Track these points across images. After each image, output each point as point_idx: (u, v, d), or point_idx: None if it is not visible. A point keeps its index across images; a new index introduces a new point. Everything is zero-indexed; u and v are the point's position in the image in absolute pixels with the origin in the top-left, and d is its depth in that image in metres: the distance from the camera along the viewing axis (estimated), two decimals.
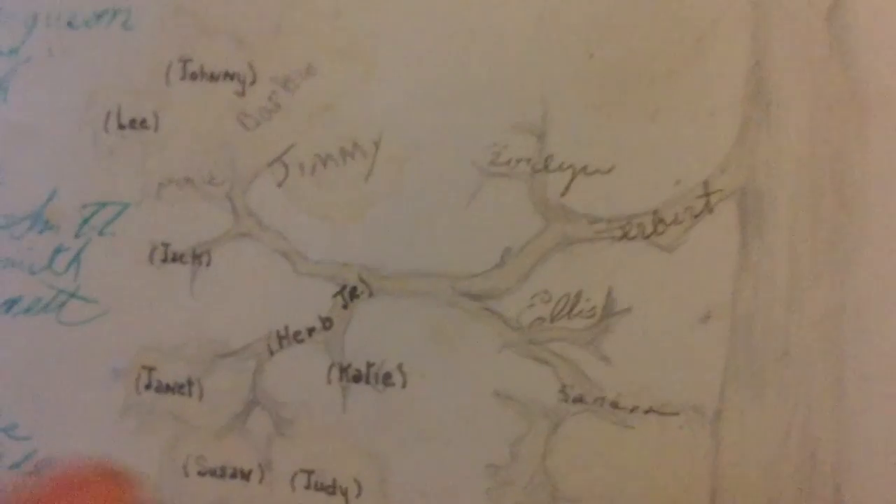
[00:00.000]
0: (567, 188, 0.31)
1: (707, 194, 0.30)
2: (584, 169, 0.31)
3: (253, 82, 0.35)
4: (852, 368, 0.29)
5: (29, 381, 0.36)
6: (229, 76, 0.35)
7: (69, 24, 0.37)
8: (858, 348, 0.29)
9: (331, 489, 0.33)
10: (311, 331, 0.34)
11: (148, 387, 0.35)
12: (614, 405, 0.30)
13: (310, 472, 0.33)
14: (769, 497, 0.29)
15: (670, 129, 0.30)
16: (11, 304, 0.37)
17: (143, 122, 0.36)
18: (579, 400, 0.31)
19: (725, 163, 0.30)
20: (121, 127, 0.36)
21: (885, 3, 0.28)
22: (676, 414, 0.30)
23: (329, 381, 0.33)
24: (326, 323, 0.33)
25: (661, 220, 0.30)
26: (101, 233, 0.36)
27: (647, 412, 0.30)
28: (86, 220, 0.37)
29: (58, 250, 0.37)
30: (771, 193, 0.29)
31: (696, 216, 0.30)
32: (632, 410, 0.30)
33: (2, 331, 0.37)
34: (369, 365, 0.33)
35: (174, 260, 0.35)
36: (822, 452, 0.29)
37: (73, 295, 0.36)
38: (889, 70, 0.28)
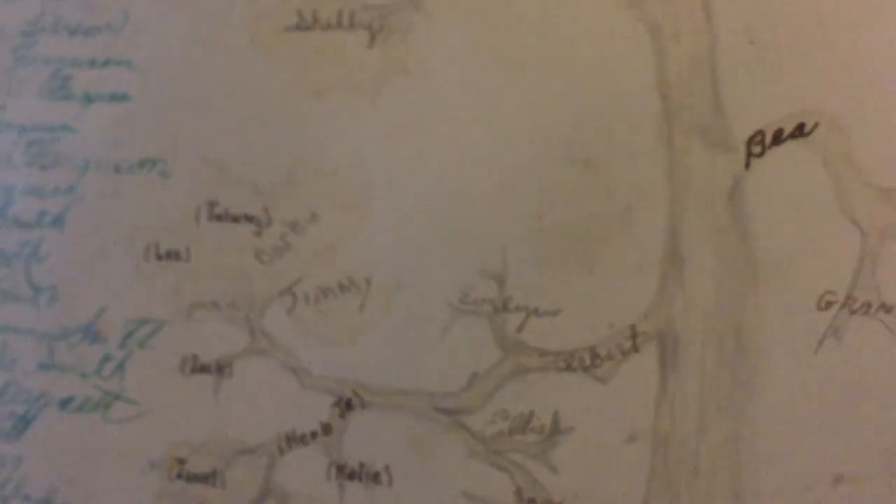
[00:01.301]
0: (522, 326, 0.40)
1: (634, 336, 0.39)
2: (535, 310, 0.40)
3: (268, 224, 0.44)
4: (748, 485, 0.38)
5: (80, 469, 0.46)
6: (248, 219, 0.45)
7: (115, 169, 0.47)
8: (753, 468, 0.37)
9: None
10: (314, 434, 0.43)
11: (179, 476, 0.45)
12: None
13: None
14: None
15: (605, 280, 0.39)
16: (66, 402, 0.47)
17: (178, 254, 0.45)
18: (532, 501, 0.40)
19: (648, 310, 0.39)
20: (158, 258, 0.46)
21: (773, 187, 0.37)
22: None
23: (328, 478, 0.43)
24: (326, 428, 0.43)
25: (597, 356, 0.39)
26: (141, 345, 0.46)
27: None
28: (129, 334, 0.47)
29: (105, 359, 0.47)
30: (684, 337, 0.39)
31: (625, 353, 0.39)
32: None
33: (57, 425, 0.47)
34: (361, 465, 0.43)
35: (202, 370, 0.45)
36: None
37: (117, 397, 0.46)
38: (777, 241, 0.37)
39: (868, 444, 0.36)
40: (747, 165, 0.37)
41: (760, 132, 0.37)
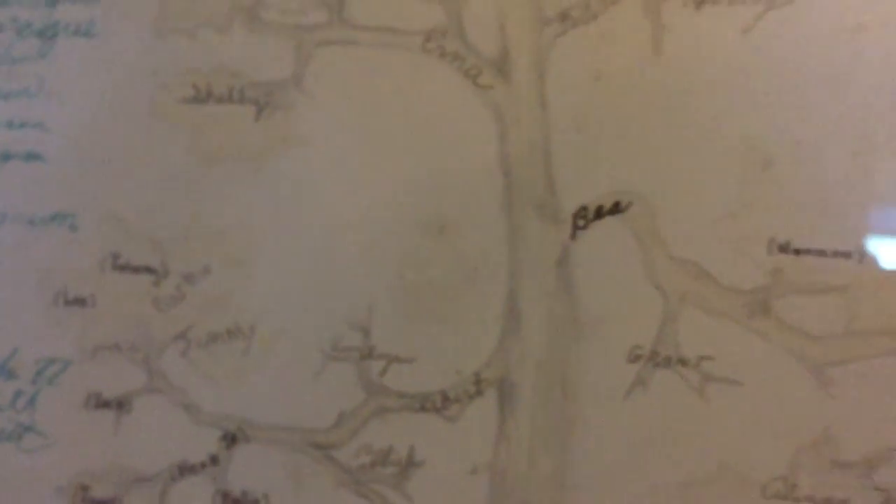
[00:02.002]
0: (384, 371, 0.48)
1: (478, 381, 0.46)
2: (396, 357, 0.47)
3: (165, 276, 0.51)
4: None
5: None
6: (148, 270, 0.51)
7: (29, 222, 0.53)
8: (574, 497, 0.45)
9: None
10: (203, 465, 0.50)
11: (83, 502, 0.51)
12: None
13: None
14: None
15: (455, 333, 0.47)
16: None
17: (83, 300, 0.52)
18: None
19: (490, 359, 0.46)
20: (66, 303, 0.52)
21: (594, 256, 0.45)
22: None
23: None
24: (214, 459, 0.50)
25: (447, 398, 0.47)
26: (50, 382, 0.53)
27: None
28: (39, 372, 0.53)
29: (17, 394, 0.53)
30: (519, 383, 0.46)
31: (471, 397, 0.46)
32: None
33: None
34: (244, 493, 0.49)
35: (104, 406, 0.52)
36: None
37: (29, 429, 0.52)
38: (596, 302, 0.45)
39: (666, 477, 0.43)
40: (573, 236, 0.45)
41: (584, 208, 0.45)
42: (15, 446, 0.53)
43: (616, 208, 0.44)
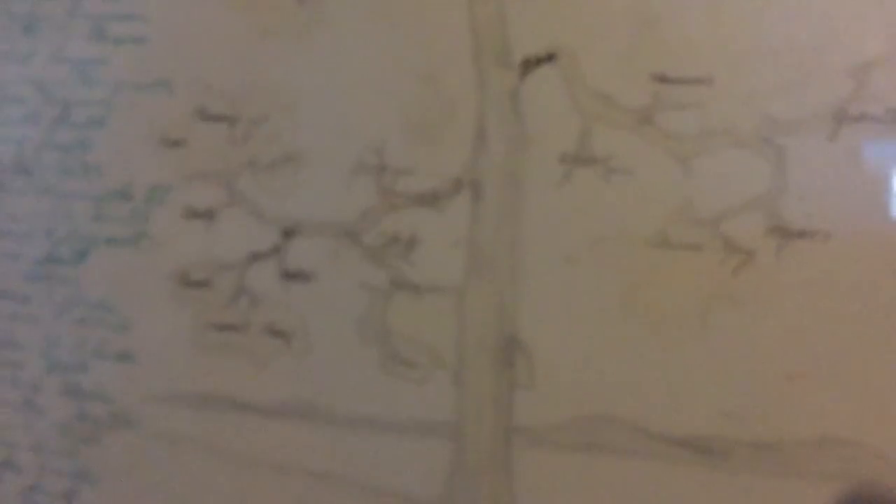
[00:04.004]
0: (394, 181, 0.73)
1: (458, 183, 0.71)
2: (401, 170, 0.73)
3: (237, 122, 0.76)
4: None
5: None
6: (225, 118, 0.77)
7: (138, 87, 0.79)
8: (528, 250, 0.70)
9: None
10: (268, 252, 0.76)
11: (184, 283, 0.78)
12: None
13: None
14: None
15: (441, 150, 0.72)
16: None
17: (179, 142, 0.77)
18: None
19: (465, 167, 0.71)
20: (168, 145, 0.78)
21: (536, 92, 0.69)
22: None
23: (281, 280, 0.76)
24: (276, 248, 0.76)
25: (437, 196, 0.72)
26: (158, 202, 0.79)
27: None
28: (149, 195, 0.79)
29: (134, 210, 0.79)
30: (485, 183, 0.71)
31: (453, 194, 0.72)
32: None
33: None
34: (299, 270, 0.75)
35: (197, 217, 0.77)
36: None
37: (143, 235, 0.79)
38: (537, 123, 0.70)
39: (584, 233, 0.68)
40: (521, 79, 0.69)
41: (527, 58, 0.69)
42: (134, 248, 0.79)
43: (550, 58, 0.68)
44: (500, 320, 0.67)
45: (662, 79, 0.63)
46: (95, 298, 0.77)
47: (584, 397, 0.65)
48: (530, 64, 0.67)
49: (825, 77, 0.60)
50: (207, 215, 0.75)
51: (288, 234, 0.73)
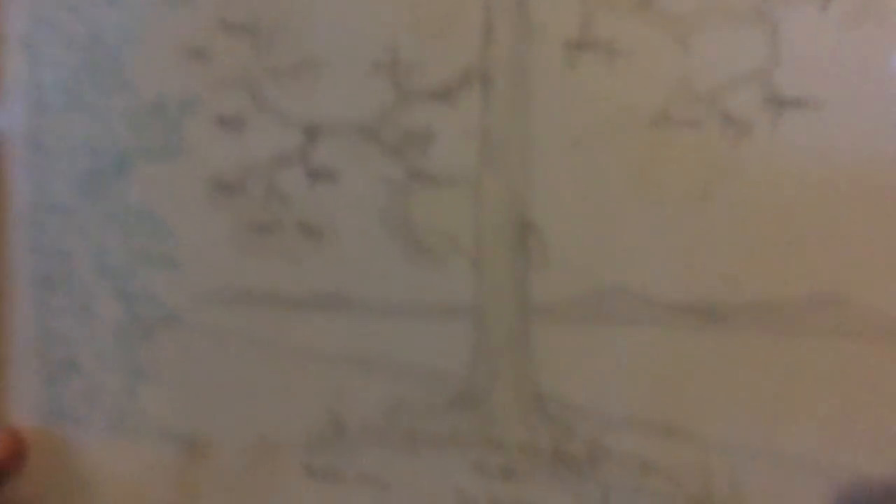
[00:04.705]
0: (406, 76, 0.78)
1: (468, 75, 0.76)
2: (414, 64, 0.77)
3: (258, 32, 0.81)
4: None
5: None
6: (245, 28, 0.82)
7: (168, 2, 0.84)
8: (540, 152, 0.75)
9: None
10: (294, 153, 0.82)
11: (216, 187, 0.84)
12: None
13: None
14: None
15: (452, 44, 0.76)
16: None
17: (202, 52, 0.83)
18: None
19: (474, 61, 0.76)
20: (191, 56, 0.83)
21: None
22: None
23: (305, 179, 0.81)
24: (302, 149, 0.81)
25: (449, 89, 0.77)
26: (189, 112, 0.85)
27: None
28: (181, 106, 0.85)
29: (166, 122, 0.85)
30: (493, 75, 0.75)
31: (464, 86, 0.76)
32: None
33: None
34: (323, 166, 0.81)
35: (226, 123, 0.83)
36: None
37: (171, 147, 0.85)
38: (543, 12, 0.74)
39: (589, 117, 0.73)
40: None
41: None
42: (170, 158, 0.85)
43: None
44: (513, 205, 0.72)
45: None
46: (138, 208, 0.84)
47: (594, 273, 0.70)
48: None
49: None
50: (236, 122, 0.80)
51: (311, 135, 0.78)
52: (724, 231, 0.67)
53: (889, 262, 0.63)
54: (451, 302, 0.75)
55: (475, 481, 0.75)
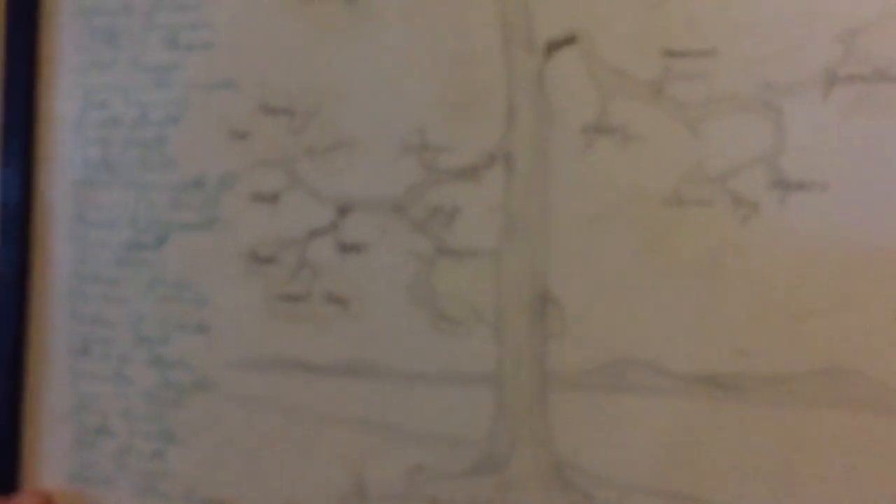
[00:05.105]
0: (434, 158, 0.83)
1: (492, 157, 0.82)
2: (442, 148, 0.83)
3: (295, 114, 0.87)
4: None
5: None
6: (285, 111, 0.88)
7: (208, 86, 0.90)
8: (559, 205, 0.80)
9: None
10: (326, 228, 0.87)
11: (253, 259, 0.89)
12: None
13: None
14: None
15: (477, 126, 0.82)
16: None
17: (245, 134, 0.89)
18: None
19: (498, 142, 0.81)
20: (234, 137, 0.89)
21: (559, 71, 0.79)
22: None
23: (337, 252, 0.86)
24: (333, 224, 0.87)
25: (475, 169, 0.82)
26: (227, 188, 0.90)
27: None
28: (219, 183, 0.90)
29: (206, 198, 0.91)
30: (515, 156, 0.81)
31: (488, 167, 0.82)
32: None
33: None
34: (354, 242, 0.86)
35: (263, 200, 0.89)
36: None
37: (214, 220, 0.90)
38: (561, 97, 0.79)
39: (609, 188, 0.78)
40: (546, 60, 0.79)
41: (551, 41, 0.79)
42: (207, 231, 0.90)
43: (570, 41, 0.78)
44: (533, 278, 0.76)
45: (671, 53, 0.72)
46: (175, 278, 0.89)
47: (610, 343, 0.74)
48: (553, 47, 0.76)
49: (816, 43, 0.68)
50: (271, 198, 0.86)
51: (343, 211, 0.83)
52: (734, 305, 0.70)
53: (894, 336, 0.67)
54: (473, 370, 0.78)
55: None
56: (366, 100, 0.82)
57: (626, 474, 0.74)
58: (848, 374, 0.67)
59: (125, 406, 0.91)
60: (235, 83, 0.86)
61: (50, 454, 0.93)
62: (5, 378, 0.92)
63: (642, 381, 0.73)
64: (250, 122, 0.85)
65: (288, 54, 0.85)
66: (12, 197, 0.91)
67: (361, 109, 0.82)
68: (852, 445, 0.67)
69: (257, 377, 0.85)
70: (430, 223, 0.80)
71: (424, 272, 0.80)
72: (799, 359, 0.69)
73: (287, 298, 0.85)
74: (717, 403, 0.71)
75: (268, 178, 0.85)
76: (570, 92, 0.76)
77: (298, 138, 0.84)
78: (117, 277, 0.91)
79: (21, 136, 0.92)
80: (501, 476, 0.78)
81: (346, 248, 0.83)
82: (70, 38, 0.93)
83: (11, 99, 0.93)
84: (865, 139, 0.67)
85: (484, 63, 0.78)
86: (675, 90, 0.72)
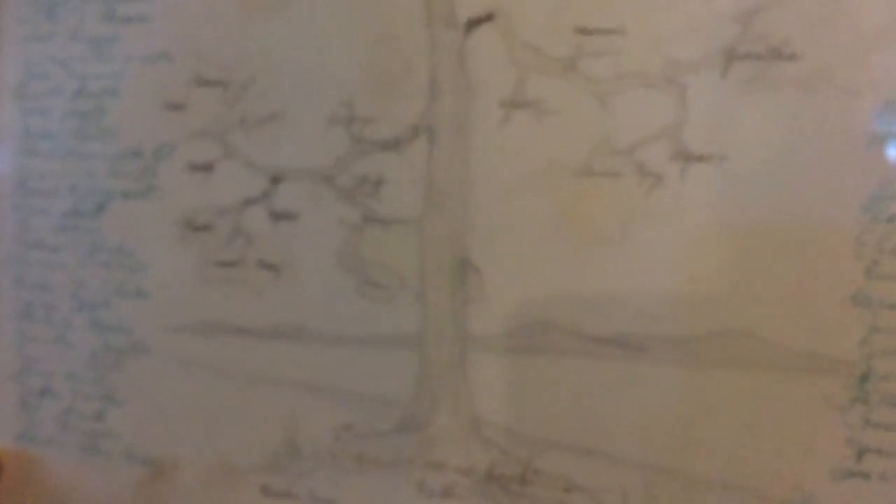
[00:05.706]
0: (361, 129, 0.87)
1: (416, 129, 0.85)
2: (368, 119, 0.86)
3: (229, 86, 0.90)
4: None
5: None
6: (219, 83, 0.91)
7: (146, 59, 0.93)
8: (480, 189, 0.84)
9: None
10: (259, 196, 0.90)
11: (189, 227, 0.92)
12: None
13: None
14: None
15: (400, 101, 0.85)
16: None
17: (180, 105, 0.92)
18: None
19: (421, 115, 0.85)
20: (169, 108, 0.92)
21: (477, 47, 0.83)
22: None
23: (269, 221, 0.90)
24: (266, 193, 0.90)
25: (398, 141, 0.85)
26: (164, 158, 0.93)
27: None
28: (156, 153, 0.93)
29: (144, 167, 0.94)
30: (438, 129, 0.84)
31: (412, 139, 0.85)
32: None
33: None
34: (285, 210, 0.89)
35: (197, 169, 0.92)
36: None
37: (151, 187, 0.93)
38: (479, 73, 0.83)
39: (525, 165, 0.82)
40: (465, 37, 0.82)
41: (470, 19, 0.82)
42: (145, 199, 0.93)
43: (489, 18, 0.81)
44: (453, 245, 0.80)
45: (583, 31, 0.76)
46: (114, 245, 0.92)
47: (526, 307, 0.78)
48: (473, 24, 0.80)
49: (717, 23, 0.72)
50: (206, 168, 0.89)
51: (275, 180, 0.87)
52: (640, 270, 0.75)
53: (789, 299, 0.71)
54: (397, 332, 0.83)
55: (418, 500, 0.82)
56: (297, 73, 0.85)
57: (540, 431, 0.78)
58: (740, 336, 0.72)
59: (68, 369, 0.94)
60: (170, 55, 0.88)
61: None
62: None
63: (556, 342, 0.77)
64: (185, 93, 0.88)
65: (222, 27, 0.87)
66: None
67: (292, 82, 0.85)
68: (751, 403, 0.72)
69: (193, 341, 0.89)
70: (358, 192, 0.84)
71: (352, 239, 0.83)
72: (696, 321, 0.73)
73: (221, 265, 0.88)
74: (625, 364, 0.75)
75: (203, 148, 0.88)
76: (488, 67, 0.79)
77: (232, 110, 0.87)
78: (58, 244, 0.94)
79: None
80: (424, 434, 0.82)
81: (278, 217, 0.86)
82: (11, 9, 0.95)
83: None
84: (761, 114, 0.71)
85: (408, 39, 0.81)
86: (587, 66, 0.76)
